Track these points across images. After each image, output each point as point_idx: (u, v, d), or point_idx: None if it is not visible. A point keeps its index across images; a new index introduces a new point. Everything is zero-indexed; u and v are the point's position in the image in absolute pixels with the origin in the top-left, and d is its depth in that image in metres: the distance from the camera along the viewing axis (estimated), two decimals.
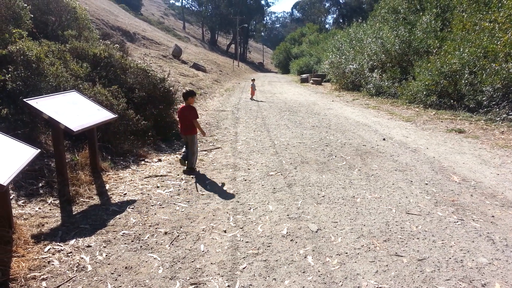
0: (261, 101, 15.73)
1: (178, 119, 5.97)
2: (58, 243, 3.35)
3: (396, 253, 3.25)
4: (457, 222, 3.88)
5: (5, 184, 2.85)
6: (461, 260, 3.13)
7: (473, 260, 3.13)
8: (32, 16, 7.19)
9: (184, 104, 5.75)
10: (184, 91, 5.73)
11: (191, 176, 5.53)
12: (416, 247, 3.34)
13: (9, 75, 5.12)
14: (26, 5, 6.94)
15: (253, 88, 16.81)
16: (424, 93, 12.78)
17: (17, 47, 5.44)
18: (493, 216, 4.02)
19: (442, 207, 4.27)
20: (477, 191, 4.81)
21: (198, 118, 5.73)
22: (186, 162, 5.75)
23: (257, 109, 13.06)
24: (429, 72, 12.80)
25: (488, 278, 2.87)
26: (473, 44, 11.73)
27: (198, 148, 6.02)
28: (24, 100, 4.05)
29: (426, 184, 5.08)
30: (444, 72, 12.15)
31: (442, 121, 10.09)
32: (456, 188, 4.92)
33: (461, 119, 10.15)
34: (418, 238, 3.51)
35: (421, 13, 17.13)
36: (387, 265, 3.05)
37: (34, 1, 8.21)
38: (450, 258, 3.15)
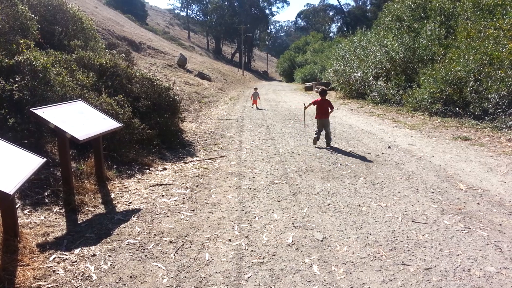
0: (264, 109, 15.74)
1: (316, 106, 8.21)
2: (63, 252, 3.36)
3: (402, 262, 3.22)
4: (464, 230, 3.84)
5: (11, 193, 2.87)
6: (469, 269, 3.09)
7: (480, 269, 3.10)
8: (39, 26, 7.28)
9: (320, 98, 8.16)
10: (321, 89, 8.51)
11: (330, 149, 7.83)
12: (422, 256, 3.31)
13: (16, 85, 5.16)
14: (33, 15, 7.03)
15: (254, 96, 16.30)
16: (429, 100, 12.74)
17: (24, 57, 5.49)
18: (500, 225, 3.98)
19: (448, 216, 4.23)
20: (484, 199, 4.77)
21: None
22: (326, 139, 8.10)
23: (261, 117, 13.08)
24: (434, 79, 12.77)
25: None
26: (478, 52, 11.70)
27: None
28: (31, 109, 4.08)
29: (432, 192, 5.04)
30: (449, 80, 12.12)
31: (447, 129, 10.04)
32: (463, 196, 4.88)
33: (466, 127, 10.09)
34: (424, 247, 3.48)
35: (425, 21, 17.14)
36: (393, 274, 3.02)
37: (41, 12, 8.31)
38: (457, 267, 3.12)
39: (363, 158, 6.89)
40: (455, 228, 3.89)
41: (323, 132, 8.16)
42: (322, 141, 8.21)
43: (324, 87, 8.73)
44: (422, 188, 5.22)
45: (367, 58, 19.60)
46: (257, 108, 15.91)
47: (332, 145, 8.08)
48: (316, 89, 28.05)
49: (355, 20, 61.86)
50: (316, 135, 8.14)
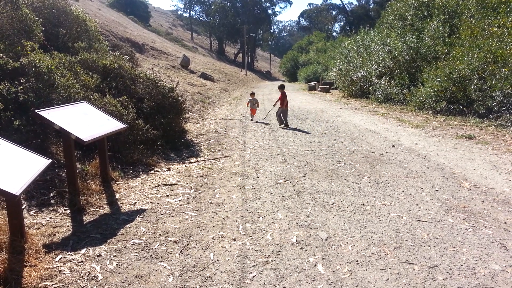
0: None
1: (280, 99, 11.07)
2: (69, 253, 3.38)
3: (407, 260, 3.22)
4: (469, 229, 3.83)
5: (17, 194, 2.89)
6: (474, 267, 3.09)
7: (485, 267, 3.09)
8: (43, 28, 7.32)
9: (281, 91, 11.17)
10: (280, 84, 11.87)
11: (287, 128, 10.55)
12: (427, 255, 3.31)
13: (21, 87, 5.20)
14: (37, 18, 7.08)
15: (251, 104, 12.46)
16: (433, 99, 12.69)
17: (29, 60, 5.54)
18: (505, 223, 3.97)
19: (453, 214, 4.22)
20: (489, 197, 4.76)
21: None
22: (285, 122, 10.86)
23: (265, 117, 13.08)
24: (438, 78, 12.73)
25: (502, 286, 2.83)
26: (482, 50, 11.66)
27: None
28: (36, 111, 4.11)
29: (437, 190, 5.03)
30: (453, 78, 12.07)
31: (451, 127, 10.01)
32: (467, 194, 4.87)
33: (471, 125, 10.06)
34: (429, 245, 3.48)
35: (428, 20, 17.08)
36: (398, 273, 3.02)
37: (45, 14, 8.36)
38: (462, 266, 3.11)
39: (367, 157, 6.88)
40: (459, 227, 3.88)
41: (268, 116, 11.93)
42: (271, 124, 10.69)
43: (282, 83, 12.40)
44: (426, 186, 5.21)
45: (371, 57, 19.56)
46: (254, 120, 12.34)
47: (290, 126, 10.81)
48: (319, 89, 28.04)
49: (358, 19, 61.84)
50: (280, 119, 11.03)
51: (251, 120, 12.36)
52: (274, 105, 11.75)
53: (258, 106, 12.76)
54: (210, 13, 70.15)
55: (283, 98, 11.00)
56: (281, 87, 11.48)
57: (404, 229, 3.85)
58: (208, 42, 74.51)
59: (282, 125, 10.85)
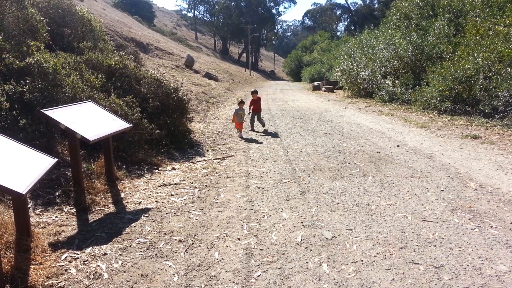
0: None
1: (253, 104, 10.30)
2: (74, 251, 3.40)
3: (412, 260, 3.21)
4: (475, 229, 3.81)
5: (23, 193, 2.91)
6: (480, 267, 3.07)
7: (492, 267, 3.07)
8: (49, 28, 7.36)
9: (254, 96, 10.37)
10: (253, 89, 11.04)
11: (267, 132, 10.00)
12: (433, 255, 3.29)
13: (27, 87, 5.23)
14: (43, 18, 7.11)
15: (238, 116, 9.52)
16: (438, 99, 12.63)
17: (35, 59, 5.56)
18: (511, 223, 3.94)
19: (458, 214, 4.20)
20: (495, 197, 4.73)
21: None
22: (262, 126, 10.48)
23: (269, 117, 13.06)
24: (443, 77, 12.66)
25: (509, 286, 2.81)
26: (487, 49, 11.59)
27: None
28: (41, 110, 4.13)
29: (442, 190, 5.01)
30: (458, 78, 12.00)
31: (457, 127, 9.96)
32: (473, 194, 4.85)
33: (476, 125, 10.00)
34: (434, 246, 3.46)
35: (433, 19, 17.00)
36: (403, 273, 3.01)
37: (50, 14, 8.40)
38: (468, 266, 3.10)
39: (371, 157, 6.86)
40: (465, 227, 3.86)
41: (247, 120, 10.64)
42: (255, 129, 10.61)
43: (255, 88, 12.08)
44: (431, 186, 5.18)
45: (375, 57, 19.50)
46: (242, 138, 9.22)
47: (267, 130, 10.30)
48: (323, 89, 27.99)
49: (362, 19, 61.69)
50: (251, 123, 10.48)
51: (239, 135, 9.44)
52: (249, 113, 10.48)
53: (244, 118, 9.85)
54: (214, 13, 70.35)
55: (255, 103, 10.30)
56: (254, 92, 10.79)
57: (410, 229, 3.84)
58: (212, 42, 74.68)
59: (255, 130, 10.33)
